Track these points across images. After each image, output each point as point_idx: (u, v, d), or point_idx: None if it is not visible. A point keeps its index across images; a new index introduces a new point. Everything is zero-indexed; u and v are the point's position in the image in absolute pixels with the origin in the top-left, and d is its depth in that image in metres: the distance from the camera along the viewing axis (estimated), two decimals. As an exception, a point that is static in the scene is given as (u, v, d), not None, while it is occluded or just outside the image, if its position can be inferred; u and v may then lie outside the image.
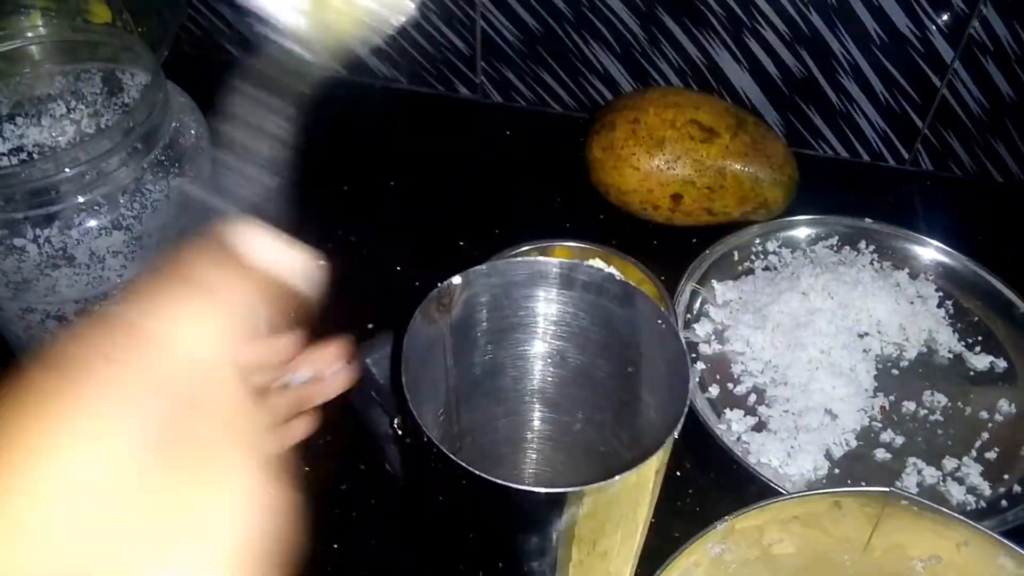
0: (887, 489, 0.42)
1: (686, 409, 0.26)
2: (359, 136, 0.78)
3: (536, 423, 0.33)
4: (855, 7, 0.68)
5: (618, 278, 0.28)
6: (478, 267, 0.28)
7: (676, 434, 0.26)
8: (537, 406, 0.32)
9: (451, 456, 0.24)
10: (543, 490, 0.24)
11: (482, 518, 0.27)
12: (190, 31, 0.84)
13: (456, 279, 0.28)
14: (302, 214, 0.75)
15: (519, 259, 0.28)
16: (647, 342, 0.28)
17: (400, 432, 0.31)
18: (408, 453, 0.33)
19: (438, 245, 0.68)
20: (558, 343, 0.30)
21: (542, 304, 0.28)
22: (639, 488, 0.26)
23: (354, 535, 0.50)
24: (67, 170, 0.41)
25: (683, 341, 0.28)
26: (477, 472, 0.24)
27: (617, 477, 0.24)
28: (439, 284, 0.27)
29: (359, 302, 0.54)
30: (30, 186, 0.40)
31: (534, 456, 0.33)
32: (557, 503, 0.24)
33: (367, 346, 0.32)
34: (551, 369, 0.31)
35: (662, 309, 0.28)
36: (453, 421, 0.30)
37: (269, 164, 0.25)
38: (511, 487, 0.24)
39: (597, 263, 0.27)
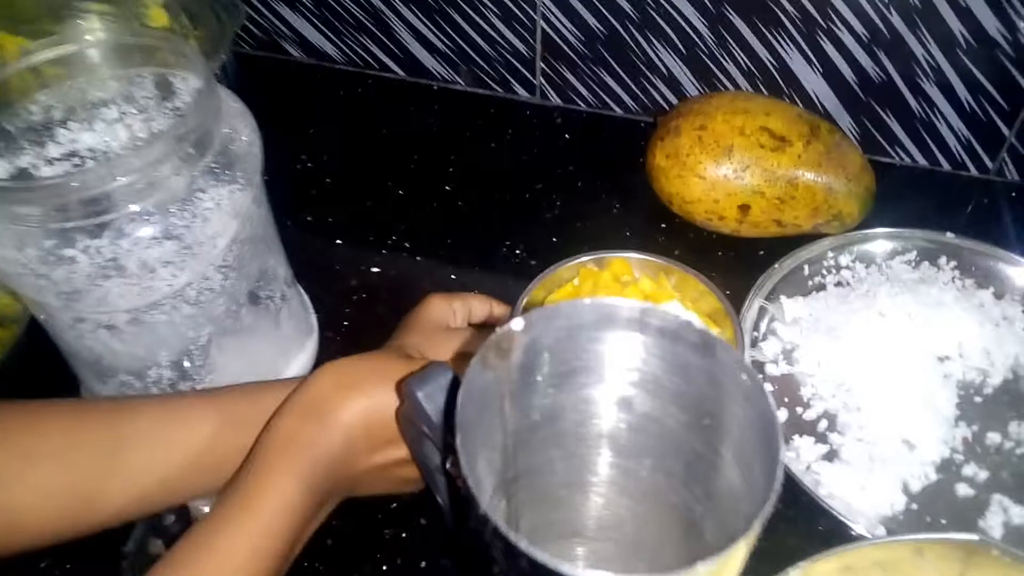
0: (976, 537, 0.39)
1: (778, 484, 0.23)
2: (416, 140, 0.77)
3: (599, 467, 0.30)
4: (939, 7, 0.64)
5: (697, 326, 0.26)
6: (541, 309, 0.25)
7: (768, 511, 0.23)
8: (601, 450, 0.30)
9: (508, 534, 0.21)
10: None
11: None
12: (251, 33, 0.84)
13: (517, 324, 0.25)
14: (360, 217, 0.74)
15: (586, 300, 0.25)
16: (728, 396, 0.26)
17: (452, 473, 0.29)
18: (459, 496, 0.31)
19: (494, 252, 0.66)
20: (626, 387, 0.27)
21: (610, 347, 0.26)
22: (726, 570, 0.23)
23: (404, 558, 0.49)
24: (121, 178, 0.40)
25: (772, 402, 0.25)
26: (539, 558, 0.21)
27: (701, 566, 0.21)
28: (498, 329, 0.25)
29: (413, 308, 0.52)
30: (84, 195, 0.39)
31: (598, 500, 0.31)
32: None
33: (418, 379, 0.31)
34: (617, 414, 0.28)
35: (748, 363, 0.25)
36: (509, 464, 0.28)
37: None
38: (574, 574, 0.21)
39: (674, 305, 0.24)
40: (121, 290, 0.41)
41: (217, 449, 0.41)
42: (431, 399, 0.29)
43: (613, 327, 0.25)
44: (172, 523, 0.45)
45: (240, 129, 0.45)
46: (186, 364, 0.47)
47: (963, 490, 0.51)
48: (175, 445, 0.40)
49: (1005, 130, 0.69)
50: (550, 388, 0.28)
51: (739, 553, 0.23)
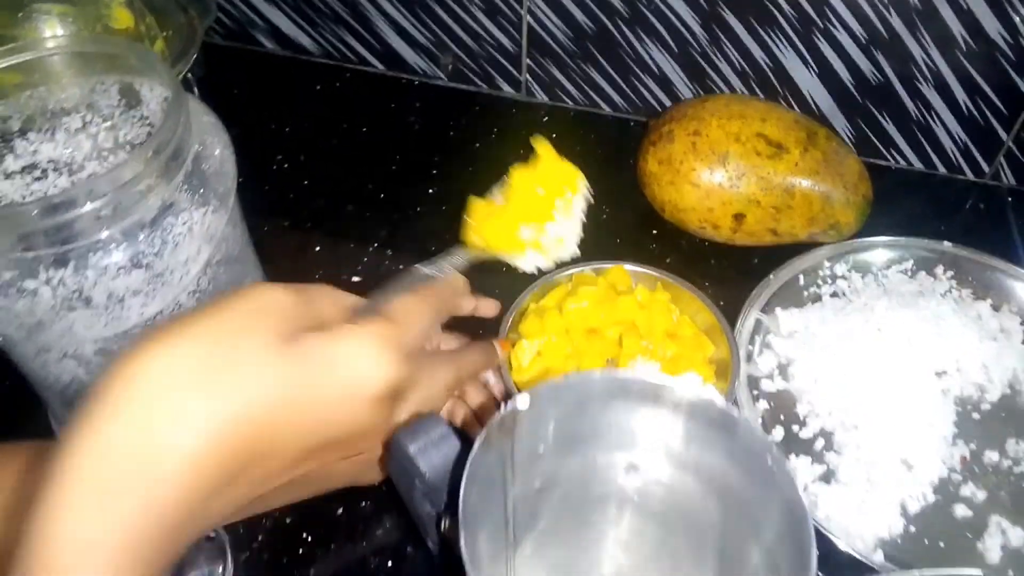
0: (978, 572, 0.38)
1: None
2: (397, 139, 0.74)
3: (609, 528, 0.28)
4: (940, 8, 0.62)
5: (718, 404, 0.24)
6: (548, 383, 0.23)
7: None
8: (608, 511, 0.28)
9: None
10: None
11: None
12: (221, 22, 0.81)
13: (522, 403, 0.23)
14: (340, 222, 0.71)
15: (596, 373, 0.23)
16: (750, 476, 0.24)
17: (447, 536, 0.27)
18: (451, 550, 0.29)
19: (477, 266, 0.64)
20: (635, 454, 0.26)
21: (620, 416, 0.24)
22: None
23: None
24: (89, 203, 0.37)
25: (800, 491, 0.23)
26: None
27: None
28: (502, 408, 0.23)
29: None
30: (47, 223, 0.36)
31: (615, 555, 0.29)
32: None
33: (410, 432, 0.28)
34: (626, 477, 0.27)
35: (774, 446, 0.24)
36: (510, 530, 0.26)
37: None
38: None
39: (692, 376, 0.23)
40: (88, 321, 0.38)
41: None
42: (424, 455, 0.27)
43: (625, 397, 0.23)
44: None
45: (212, 145, 0.42)
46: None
47: (961, 511, 0.50)
48: None
49: (1003, 134, 0.68)
50: (556, 456, 0.26)
51: None
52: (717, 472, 0.25)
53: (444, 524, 0.27)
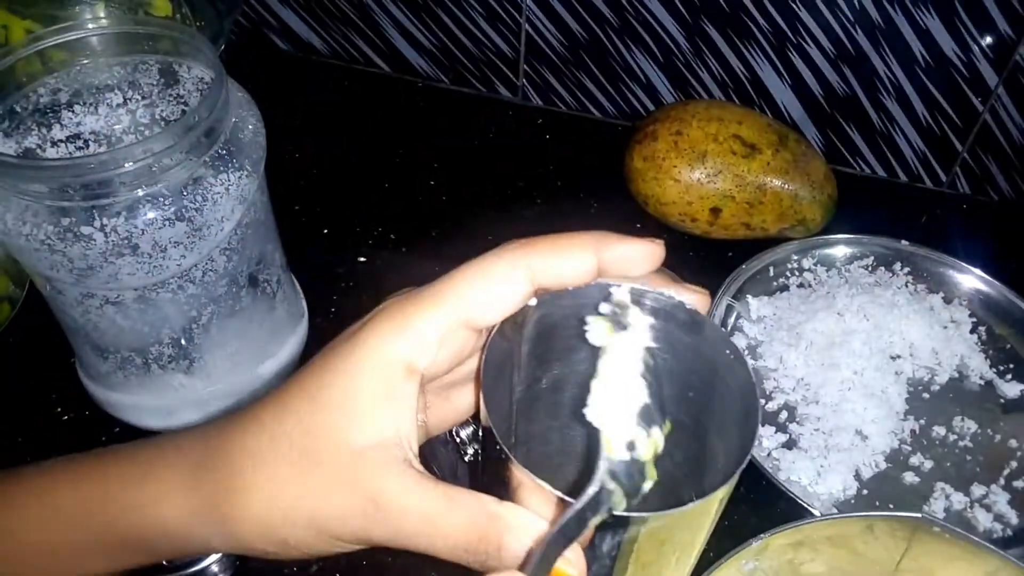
0: (920, 516, 0.43)
1: (755, 443, 0.27)
2: (401, 135, 0.79)
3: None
4: (901, 28, 0.68)
5: (688, 306, 0.29)
6: (552, 294, 0.28)
7: (743, 468, 0.26)
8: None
9: (526, 471, 0.25)
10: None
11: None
12: (237, 23, 0.86)
13: (532, 301, 0.28)
14: (346, 207, 0.76)
15: (594, 282, 0.28)
16: (712, 370, 0.29)
17: (457, 440, 0.31)
18: (463, 459, 0.34)
19: (475, 246, 0.69)
20: (619, 363, 0.30)
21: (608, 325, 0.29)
22: (701, 517, 0.27)
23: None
24: (127, 165, 0.41)
25: (752, 373, 0.28)
26: (549, 487, 0.24)
27: (681, 508, 0.25)
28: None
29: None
30: (88, 178, 0.41)
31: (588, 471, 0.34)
32: (620, 525, 0.25)
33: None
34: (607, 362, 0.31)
35: (732, 341, 0.29)
36: (512, 431, 0.31)
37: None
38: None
39: (670, 290, 0.27)
40: (132, 268, 0.43)
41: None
42: None
43: (611, 306, 0.28)
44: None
45: (247, 118, 0.47)
46: (184, 342, 0.49)
47: (910, 478, 0.55)
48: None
49: (958, 145, 0.74)
50: (555, 361, 0.30)
51: (716, 498, 0.26)
52: (686, 371, 0.30)
53: (454, 430, 0.32)
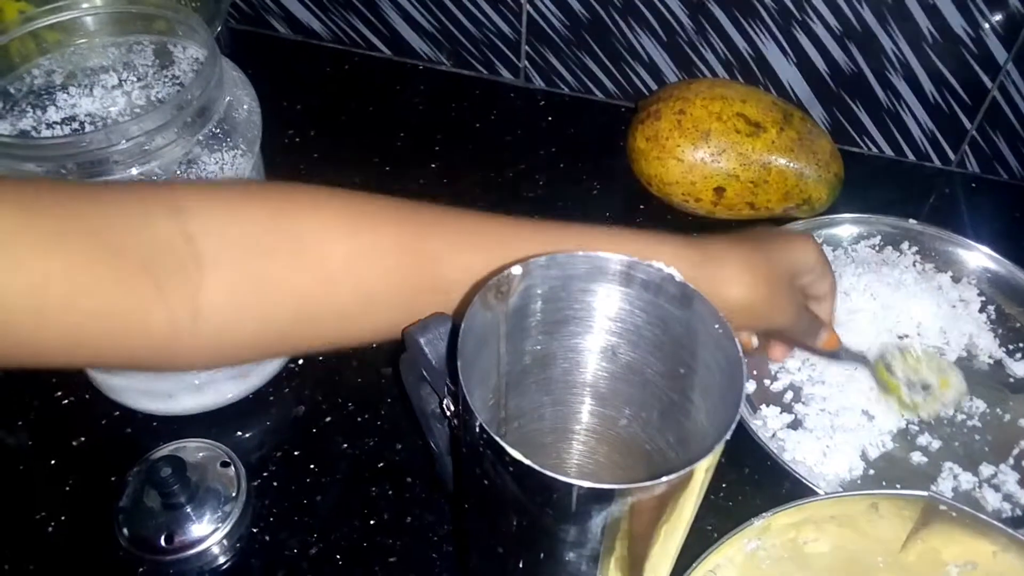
0: (926, 493, 0.42)
1: (738, 416, 0.26)
2: (402, 118, 0.78)
3: (583, 415, 0.33)
4: (909, 4, 0.67)
5: (678, 279, 0.28)
6: (538, 258, 0.28)
7: (726, 440, 0.26)
8: (585, 399, 0.32)
9: (500, 442, 0.24)
10: (593, 485, 0.24)
11: (526, 505, 0.27)
12: (237, 7, 0.85)
13: (516, 269, 0.28)
14: (350, 182, 0.76)
15: (580, 252, 0.28)
16: (702, 345, 0.28)
17: (448, 413, 0.31)
18: (454, 434, 0.33)
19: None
20: (611, 338, 0.30)
21: (599, 299, 0.28)
22: (686, 490, 0.26)
23: (391, 513, 0.51)
24: (122, 143, 0.41)
25: (740, 347, 0.27)
26: (526, 461, 0.24)
27: (665, 479, 0.24)
28: (499, 272, 0.27)
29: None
30: (82, 157, 0.41)
31: (579, 447, 0.33)
32: (605, 498, 0.24)
33: (421, 326, 0.33)
34: (602, 363, 0.31)
35: (721, 314, 0.28)
36: (501, 407, 0.31)
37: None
38: (560, 480, 0.24)
39: (658, 263, 0.27)
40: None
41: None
42: (432, 345, 0.32)
43: (603, 278, 0.28)
44: (169, 475, 0.47)
45: (242, 98, 0.47)
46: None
47: (917, 458, 0.54)
48: None
49: (967, 123, 0.73)
50: (542, 334, 0.30)
51: (700, 469, 0.26)
52: (675, 346, 0.30)
53: (444, 404, 0.31)
